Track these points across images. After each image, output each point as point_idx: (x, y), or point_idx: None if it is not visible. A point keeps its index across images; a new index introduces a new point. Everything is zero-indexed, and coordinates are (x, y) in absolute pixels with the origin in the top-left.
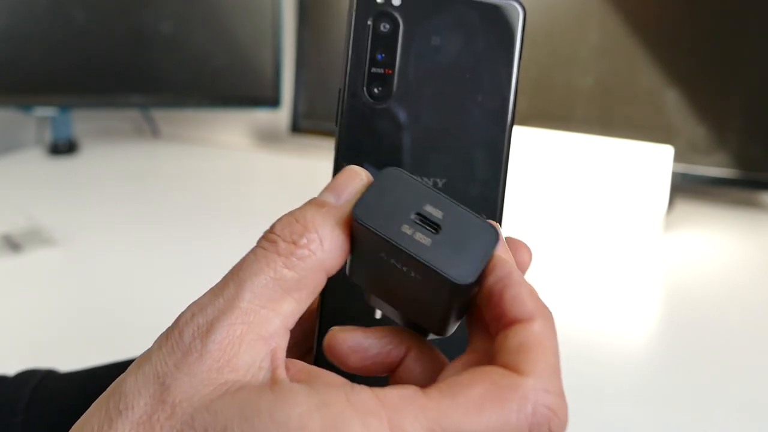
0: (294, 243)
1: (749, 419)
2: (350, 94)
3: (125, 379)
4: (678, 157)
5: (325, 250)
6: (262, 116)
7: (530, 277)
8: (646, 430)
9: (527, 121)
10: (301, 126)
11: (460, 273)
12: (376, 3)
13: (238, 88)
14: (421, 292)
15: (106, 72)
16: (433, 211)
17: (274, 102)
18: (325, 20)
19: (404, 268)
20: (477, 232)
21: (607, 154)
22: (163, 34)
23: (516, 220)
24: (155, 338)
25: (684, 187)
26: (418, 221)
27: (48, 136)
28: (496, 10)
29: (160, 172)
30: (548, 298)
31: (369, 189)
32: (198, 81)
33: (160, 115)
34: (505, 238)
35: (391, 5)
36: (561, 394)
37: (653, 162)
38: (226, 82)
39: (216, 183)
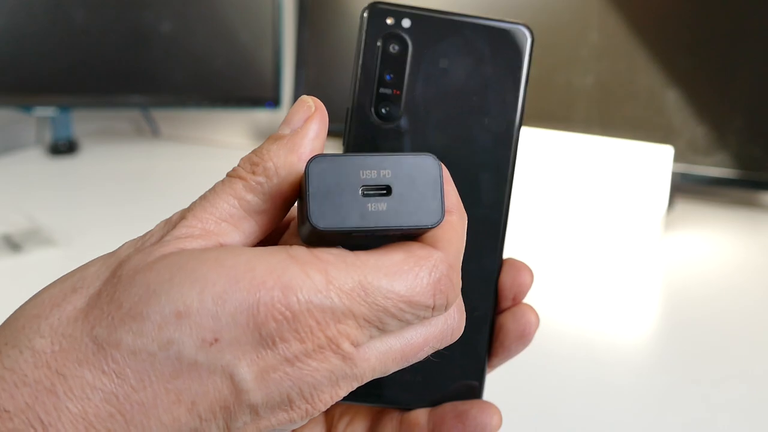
0: (253, 172)
1: (749, 419)
2: (358, 113)
3: (86, 268)
4: (678, 157)
5: (280, 176)
6: (262, 116)
7: (531, 287)
8: (646, 429)
9: (527, 121)
10: None
11: (430, 216)
12: (386, 24)
13: (238, 88)
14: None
15: (106, 72)
16: (374, 175)
17: (274, 102)
18: (325, 20)
19: (376, 237)
20: (421, 168)
21: (607, 154)
22: (163, 34)
23: (516, 220)
24: None
25: (684, 187)
26: (368, 192)
27: (48, 136)
28: (505, 34)
29: (160, 172)
30: (549, 297)
31: (310, 193)
32: (198, 81)
33: (160, 115)
34: (507, 259)
35: (401, 27)
36: (459, 273)
37: (653, 162)
38: (226, 82)
39: None
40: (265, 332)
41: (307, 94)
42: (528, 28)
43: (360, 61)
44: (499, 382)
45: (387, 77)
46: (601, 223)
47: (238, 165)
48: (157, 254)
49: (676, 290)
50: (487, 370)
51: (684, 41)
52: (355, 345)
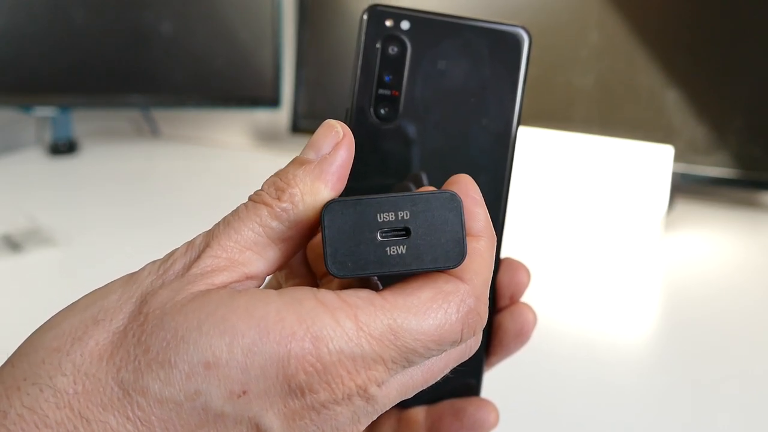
0: (278, 198)
1: (749, 419)
2: (358, 113)
3: (107, 295)
4: (678, 157)
5: (306, 203)
6: (262, 116)
7: (530, 288)
8: (646, 429)
9: (527, 121)
10: (301, 126)
11: (451, 258)
12: (386, 26)
13: (238, 88)
14: None
15: (106, 72)
16: (391, 217)
17: (274, 102)
18: (325, 20)
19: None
20: (440, 206)
21: (607, 154)
22: (163, 34)
23: (517, 220)
24: None
25: (684, 187)
26: (386, 237)
27: (48, 136)
28: (503, 36)
29: (160, 172)
30: (548, 297)
31: (327, 240)
32: (198, 81)
33: (160, 115)
34: (504, 259)
35: (400, 29)
36: (486, 303)
37: (653, 162)
38: (226, 82)
39: (216, 183)
40: (295, 384)
41: (307, 94)
42: (525, 30)
43: (359, 62)
44: (499, 382)
45: (386, 78)
46: (602, 223)
47: (262, 189)
48: (185, 293)
49: (676, 290)
50: (486, 368)
51: (684, 41)
52: (380, 386)
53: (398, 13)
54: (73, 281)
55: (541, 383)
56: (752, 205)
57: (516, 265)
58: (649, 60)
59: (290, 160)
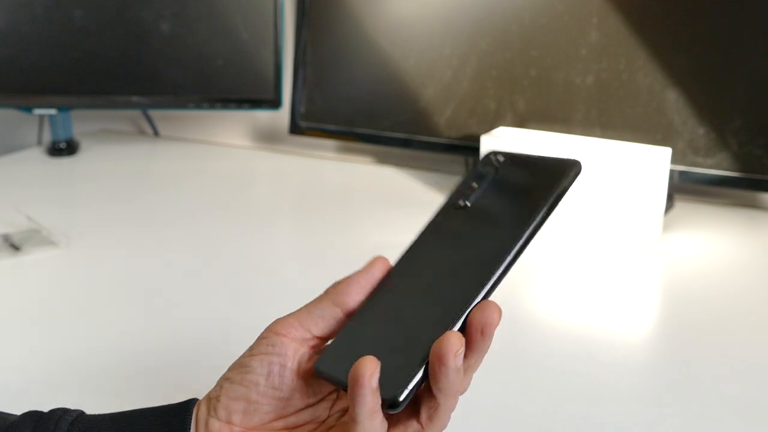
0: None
1: (749, 419)
2: (450, 198)
3: None
4: (678, 158)
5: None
6: (262, 116)
7: (530, 288)
8: (645, 429)
9: (527, 122)
10: (300, 126)
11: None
12: (490, 159)
13: (239, 88)
14: None
15: (106, 72)
16: None
17: (275, 104)
18: (325, 20)
19: None
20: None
21: (605, 157)
22: (163, 35)
23: None
24: (153, 338)
25: (684, 188)
26: None
27: (48, 136)
28: (561, 162)
29: (160, 172)
30: (548, 299)
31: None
32: (198, 81)
33: (160, 115)
34: (483, 302)
35: (498, 160)
36: None
37: (651, 164)
38: (226, 83)
39: (216, 183)
40: None
41: (307, 95)
42: (578, 161)
43: (466, 172)
44: (499, 382)
45: (474, 183)
46: (601, 224)
47: None
48: None
49: (675, 291)
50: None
51: (683, 41)
52: None
53: (499, 152)
54: (72, 281)
55: (541, 382)
56: (752, 205)
57: (487, 305)
58: (649, 60)
59: (291, 161)
